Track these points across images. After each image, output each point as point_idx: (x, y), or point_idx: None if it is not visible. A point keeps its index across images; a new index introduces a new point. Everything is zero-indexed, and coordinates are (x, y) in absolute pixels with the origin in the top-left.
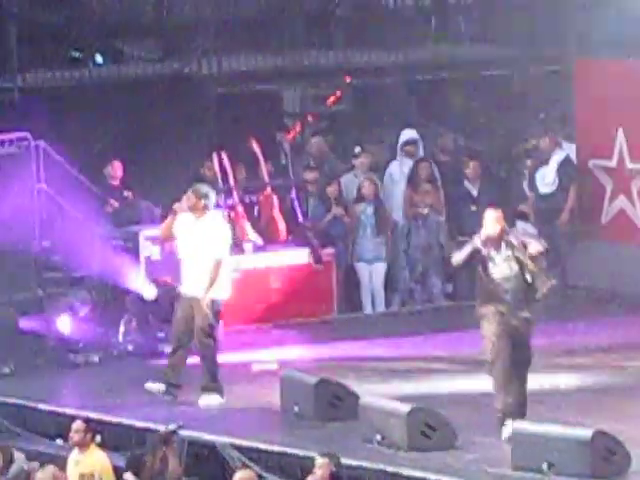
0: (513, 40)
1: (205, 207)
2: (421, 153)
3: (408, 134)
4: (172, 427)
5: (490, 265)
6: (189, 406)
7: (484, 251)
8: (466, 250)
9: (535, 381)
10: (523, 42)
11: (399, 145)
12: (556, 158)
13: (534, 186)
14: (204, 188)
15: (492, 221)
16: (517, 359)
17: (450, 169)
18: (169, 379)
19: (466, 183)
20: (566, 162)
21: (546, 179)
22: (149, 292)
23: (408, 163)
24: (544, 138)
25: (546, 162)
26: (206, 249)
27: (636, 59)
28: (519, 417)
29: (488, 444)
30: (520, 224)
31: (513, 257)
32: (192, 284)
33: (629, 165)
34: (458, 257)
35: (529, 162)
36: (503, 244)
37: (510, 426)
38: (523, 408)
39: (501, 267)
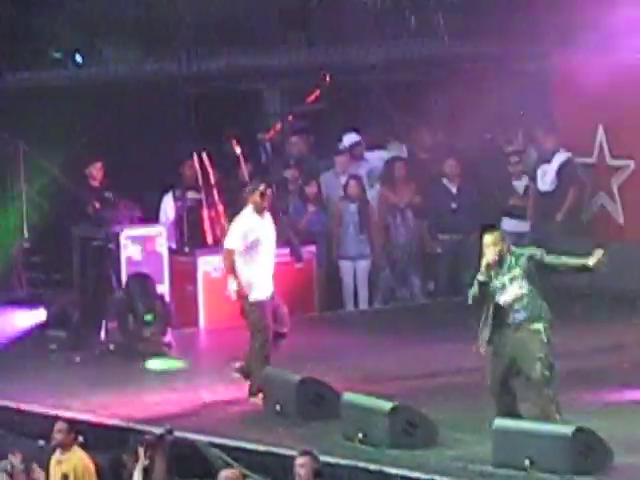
0: (493, 37)
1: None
2: (366, 153)
3: (351, 138)
4: (160, 431)
5: (499, 294)
6: (170, 405)
7: (490, 282)
8: (475, 288)
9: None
10: (502, 39)
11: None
12: (558, 158)
13: (534, 181)
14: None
15: (488, 246)
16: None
17: (430, 167)
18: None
19: (444, 181)
20: (568, 163)
21: (546, 177)
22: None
23: (357, 165)
24: (548, 136)
25: (548, 161)
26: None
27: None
28: None
29: (470, 441)
30: (506, 221)
31: (522, 273)
32: (270, 284)
33: (609, 161)
34: (471, 296)
35: (515, 158)
36: (506, 265)
37: None
38: None
39: (510, 290)
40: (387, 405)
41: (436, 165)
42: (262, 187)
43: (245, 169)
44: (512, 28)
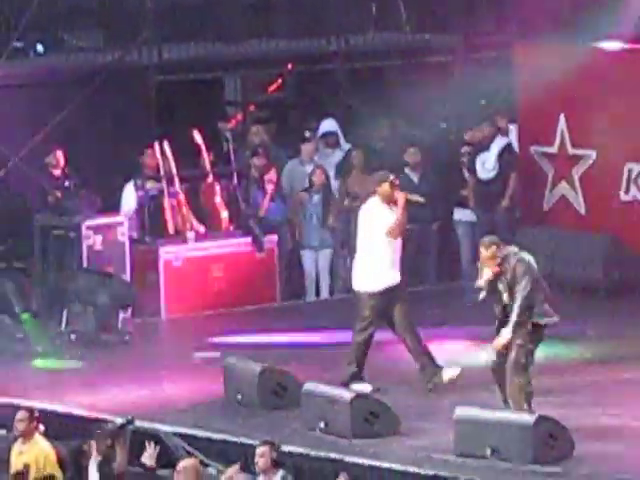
0: (454, 26)
1: None
2: (342, 142)
3: (327, 125)
4: (121, 421)
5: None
6: (132, 394)
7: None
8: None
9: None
10: (464, 28)
11: (318, 136)
12: (497, 144)
13: (474, 172)
14: None
15: (486, 260)
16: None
17: (387, 156)
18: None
19: (407, 170)
20: (507, 149)
21: (486, 165)
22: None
23: (329, 153)
24: (486, 123)
25: (487, 148)
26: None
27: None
28: None
29: (431, 430)
30: (459, 211)
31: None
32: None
33: (571, 151)
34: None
35: (466, 148)
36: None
37: None
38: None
39: (503, 296)
40: (348, 394)
41: (394, 154)
42: (392, 177)
43: (207, 158)
44: (474, 16)
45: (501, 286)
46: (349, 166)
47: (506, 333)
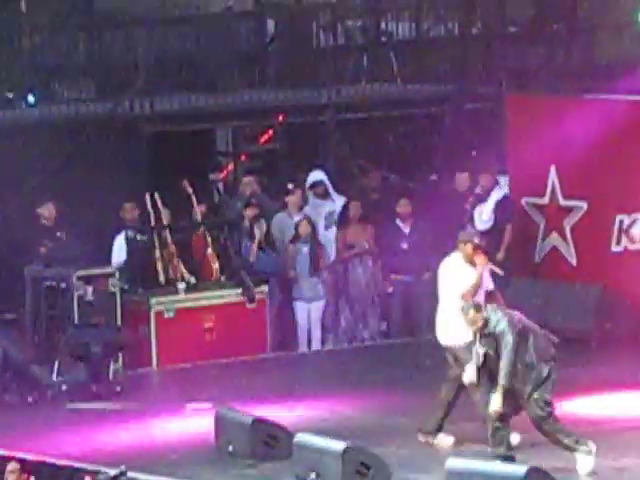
0: (445, 77)
1: None
2: (332, 192)
3: (314, 175)
4: (114, 472)
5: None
6: (124, 445)
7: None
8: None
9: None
10: (455, 79)
11: (307, 187)
12: (495, 196)
13: (472, 223)
14: None
15: (470, 325)
16: None
17: (380, 207)
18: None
19: (398, 221)
20: (504, 200)
21: (483, 216)
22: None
23: (320, 204)
24: (484, 175)
25: (484, 199)
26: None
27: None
28: None
29: None
30: None
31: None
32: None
33: (562, 202)
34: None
35: (470, 199)
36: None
37: None
38: None
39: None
40: (340, 446)
41: (387, 205)
42: (476, 240)
43: (197, 209)
44: (465, 68)
45: (486, 349)
46: (347, 217)
47: (496, 399)
